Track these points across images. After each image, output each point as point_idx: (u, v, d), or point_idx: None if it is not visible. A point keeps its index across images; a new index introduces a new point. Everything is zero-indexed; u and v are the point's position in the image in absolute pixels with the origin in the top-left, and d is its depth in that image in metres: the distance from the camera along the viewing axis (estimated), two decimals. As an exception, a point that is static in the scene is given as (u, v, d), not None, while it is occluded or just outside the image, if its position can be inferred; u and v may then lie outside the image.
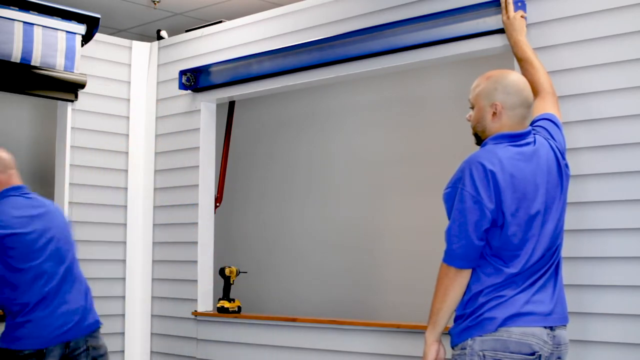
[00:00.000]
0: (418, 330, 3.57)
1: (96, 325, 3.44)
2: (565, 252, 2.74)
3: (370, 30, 3.84)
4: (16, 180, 3.44)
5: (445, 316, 2.56)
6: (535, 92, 2.96)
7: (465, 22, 3.50)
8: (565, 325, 2.58)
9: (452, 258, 2.53)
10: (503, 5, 3.27)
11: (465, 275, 2.54)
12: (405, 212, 5.10)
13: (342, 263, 5.37)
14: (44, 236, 3.36)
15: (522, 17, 3.21)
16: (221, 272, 4.53)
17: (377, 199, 5.28)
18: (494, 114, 2.62)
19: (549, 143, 2.67)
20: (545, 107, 2.88)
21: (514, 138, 2.60)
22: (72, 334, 3.32)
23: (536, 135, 2.68)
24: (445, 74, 4.89)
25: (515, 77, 2.68)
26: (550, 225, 2.56)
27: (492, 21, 3.40)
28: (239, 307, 4.42)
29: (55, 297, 3.32)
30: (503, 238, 2.51)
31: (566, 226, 2.75)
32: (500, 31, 3.35)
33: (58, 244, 3.41)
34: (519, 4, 3.26)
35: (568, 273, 2.85)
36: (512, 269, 2.50)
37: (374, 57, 3.86)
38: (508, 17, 3.22)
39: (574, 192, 3.05)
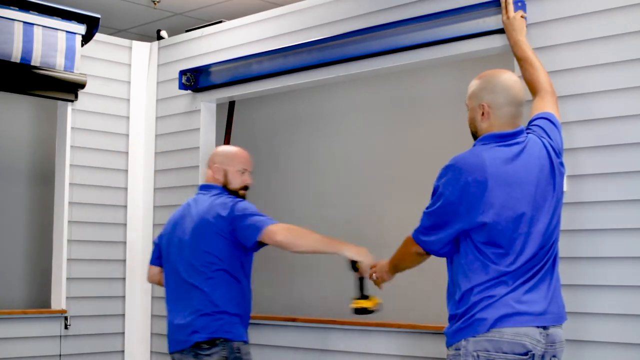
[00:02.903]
0: (418, 331, 3.58)
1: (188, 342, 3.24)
2: (563, 252, 2.74)
3: (370, 30, 3.84)
4: None
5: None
6: (535, 91, 2.97)
7: (465, 22, 3.50)
8: (560, 324, 2.58)
9: (420, 240, 2.70)
10: (503, 5, 3.27)
11: (421, 260, 2.79)
12: (406, 212, 5.08)
13: (342, 262, 5.36)
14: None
15: (522, 17, 3.21)
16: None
17: (378, 199, 5.28)
18: (483, 114, 2.66)
19: (543, 141, 2.67)
20: (544, 106, 2.89)
21: (503, 138, 2.62)
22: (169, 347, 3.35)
23: (529, 134, 2.68)
24: (445, 74, 4.89)
25: (504, 76, 2.68)
26: (541, 224, 2.56)
27: (492, 21, 3.40)
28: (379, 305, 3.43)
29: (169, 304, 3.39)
30: (488, 236, 2.52)
31: (564, 226, 2.76)
32: (500, 31, 3.35)
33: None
34: (519, 4, 3.26)
35: (566, 273, 2.85)
36: (501, 267, 2.51)
37: (374, 57, 3.86)
38: (508, 17, 3.22)
39: (572, 192, 3.05)
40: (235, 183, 3.40)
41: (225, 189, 3.38)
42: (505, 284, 2.50)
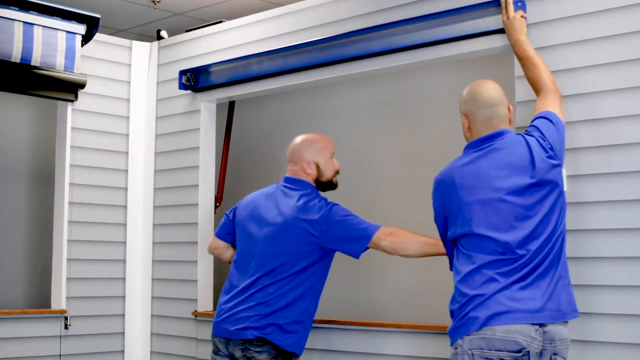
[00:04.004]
0: (419, 331, 3.57)
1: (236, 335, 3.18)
2: (568, 251, 2.75)
3: (370, 30, 3.84)
4: None
5: None
6: (538, 90, 3.00)
7: (465, 22, 3.50)
8: (562, 322, 2.59)
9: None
10: (503, 5, 3.27)
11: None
12: (407, 212, 5.09)
13: (342, 263, 5.36)
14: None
15: (522, 17, 3.21)
16: None
17: (379, 199, 5.28)
18: (464, 125, 2.82)
19: (526, 139, 2.71)
20: (546, 105, 2.91)
21: (479, 143, 2.74)
22: (214, 329, 3.29)
23: (510, 135, 2.73)
24: (445, 74, 4.88)
25: (475, 84, 2.82)
26: (524, 217, 2.60)
27: (492, 21, 3.40)
28: None
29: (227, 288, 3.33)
30: (460, 229, 2.65)
31: (567, 226, 2.76)
32: (500, 31, 3.35)
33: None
34: (519, 4, 3.26)
35: (570, 273, 2.84)
36: (484, 255, 2.58)
37: (374, 57, 3.86)
38: (508, 17, 3.22)
39: (574, 192, 3.05)
40: (329, 172, 3.33)
41: (317, 181, 3.30)
42: (497, 281, 2.55)
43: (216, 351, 3.28)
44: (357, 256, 3.20)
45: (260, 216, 3.29)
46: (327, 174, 3.33)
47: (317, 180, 3.31)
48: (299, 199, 3.23)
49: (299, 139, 3.39)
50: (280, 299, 3.15)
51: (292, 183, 3.32)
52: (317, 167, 3.31)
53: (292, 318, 3.17)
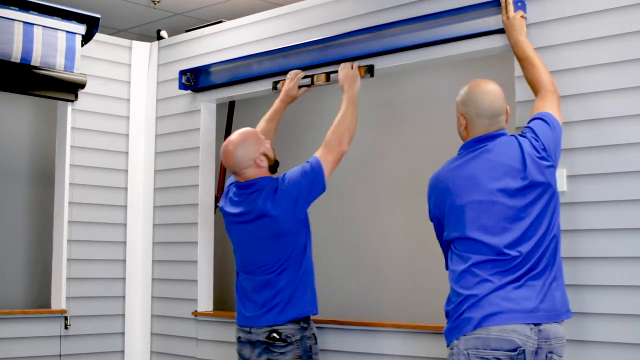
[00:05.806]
0: (419, 331, 3.57)
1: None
2: (562, 251, 2.75)
3: (370, 30, 3.84)
4: None
5: None
6: (536, 91, 3.00)
7: (465, 22, 3.50)
8: (557, 321, 2.60)
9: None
10: (503, 5, 3.27)
11: None
12: (406, 212, 5.09)
13: (342, 263, 5.37)
14: None
15: (522, 17, 3.21)
16: None
17: (379, 199, 5.28)
18: (460, 124, 2.81)
19: (519, 140, 2.72)
20: (543, 106, 2.91)
21: (473, 144, 2.75)
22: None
23: (503, 137, 2.74)
24: (445, 74, 4.88)
25: (478, 88, 2.80)
26: (516, 218, 2.61)
27: (492, 21, 3.40)
28: None
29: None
30: (453, 232, 2.68)
31: (564, 226, 2.76)
32: (500, 31, 3.35)
33: None
34: (519, 4, 3.26)
35: (565, 273, 2.85)
36: (475, 255, 2.60)
37: (375, 57, 3.86)
38: (508, 17, 3.22)
39: (571, 192, 3.05)
40: (272, 152, 3.45)
41: (270, 167, 3.41)
42: (490, 282, 2.57)
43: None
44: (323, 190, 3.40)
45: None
46: (272, 154, 3.46)
47: (270, 166, 3.43)
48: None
49: (232, 151, 3.37)
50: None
51: (249, 188, 3.38)
52: (266, 155, 3.41)
53: (286, 293, 3.32)
